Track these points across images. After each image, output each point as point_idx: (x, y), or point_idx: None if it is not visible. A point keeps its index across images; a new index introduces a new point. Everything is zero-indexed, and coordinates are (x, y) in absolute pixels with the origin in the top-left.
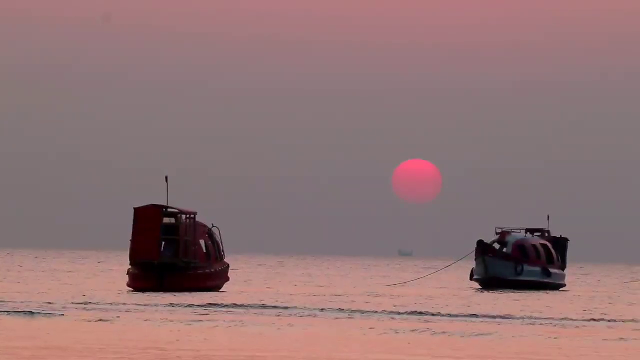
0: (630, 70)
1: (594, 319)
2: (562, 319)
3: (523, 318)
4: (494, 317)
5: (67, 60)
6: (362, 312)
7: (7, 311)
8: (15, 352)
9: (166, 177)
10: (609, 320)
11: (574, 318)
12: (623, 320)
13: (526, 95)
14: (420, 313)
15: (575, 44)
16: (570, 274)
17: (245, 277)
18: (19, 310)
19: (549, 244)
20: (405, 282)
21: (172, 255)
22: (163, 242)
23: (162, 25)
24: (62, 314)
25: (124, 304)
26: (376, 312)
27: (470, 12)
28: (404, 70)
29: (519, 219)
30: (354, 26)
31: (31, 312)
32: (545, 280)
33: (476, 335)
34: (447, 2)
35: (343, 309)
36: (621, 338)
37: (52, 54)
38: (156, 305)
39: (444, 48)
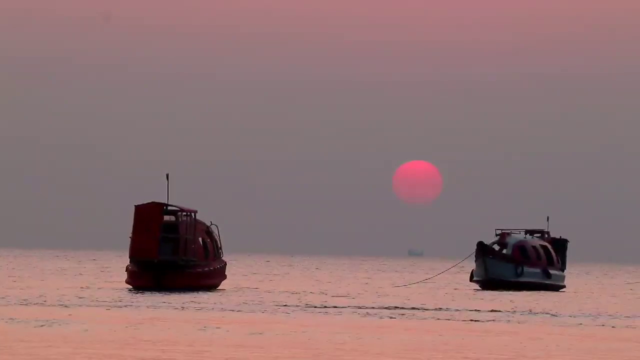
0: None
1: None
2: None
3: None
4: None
5: (69, 59)
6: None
7: None
8: None
9: (167, 175)
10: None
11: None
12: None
13: (527, 96)
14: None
15: (575, 42)
16: (570, 275)
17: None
18: None
19: (549, 245)
20: (409, 284)
21: (172, 254)
22: (162, 240)
23: (161, 24)
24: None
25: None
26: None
27: (470, 12)
28: (405, 71)
29: (518, 220)
30: (354, 27)
31: None
32: (546, 281)
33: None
34: (447, 2)
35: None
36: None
37: (53, 53)
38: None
39: (444, 48)
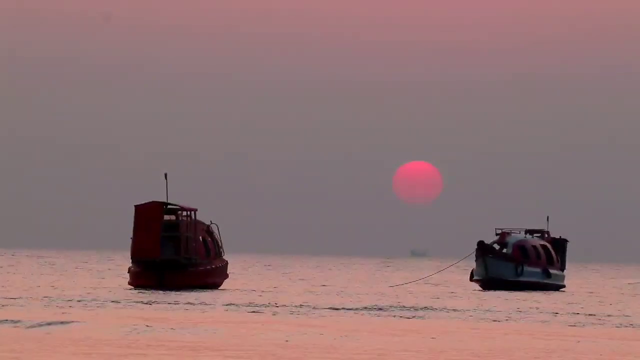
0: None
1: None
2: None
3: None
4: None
5: (69, 59)
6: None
7: None
8: None
9: (165, 175)
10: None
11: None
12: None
13: (526, 96)
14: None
15: (575, 42)
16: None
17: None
18: None
19: (549, 245)
20: (408, 283)
21: (174, 253)
22: (163, 239)
23: (161, 24)
24: None
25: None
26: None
27: (470, 12)
28: (405, 71)
29: (518, 220)
30: (354, 27)
31: None
32: (546, 281)
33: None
34: (447, 2)
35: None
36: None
37: (53, 53)
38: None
39: (444, 48)
